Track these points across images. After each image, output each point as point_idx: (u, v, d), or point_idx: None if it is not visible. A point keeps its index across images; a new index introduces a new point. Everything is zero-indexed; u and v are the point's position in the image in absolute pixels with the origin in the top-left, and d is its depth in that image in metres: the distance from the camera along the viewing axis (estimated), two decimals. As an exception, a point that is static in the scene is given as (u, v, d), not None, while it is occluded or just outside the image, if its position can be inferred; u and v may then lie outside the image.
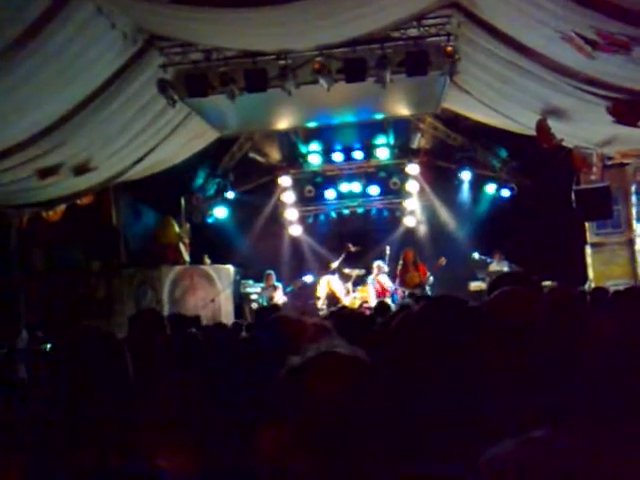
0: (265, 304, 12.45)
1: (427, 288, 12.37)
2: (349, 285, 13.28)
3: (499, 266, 12.39)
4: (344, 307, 11.26)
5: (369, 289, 12.96)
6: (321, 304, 13.09)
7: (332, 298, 12.94)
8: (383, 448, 1.29)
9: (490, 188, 14.40)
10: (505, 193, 14.22)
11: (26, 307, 11.14)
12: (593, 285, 11.07)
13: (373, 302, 11.95)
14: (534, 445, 0.84)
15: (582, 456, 0.82)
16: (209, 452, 2.11)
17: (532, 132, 9.46)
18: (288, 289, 13.15)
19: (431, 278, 12.41)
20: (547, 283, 10.27)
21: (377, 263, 12.94)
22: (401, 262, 12.55)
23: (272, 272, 13.12)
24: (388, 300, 11.80)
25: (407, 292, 12.13)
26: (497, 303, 2.62)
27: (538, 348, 2.36)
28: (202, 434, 2.19)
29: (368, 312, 8.88)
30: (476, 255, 12.95)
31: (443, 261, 12.38)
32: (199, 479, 1.98)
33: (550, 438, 0.85)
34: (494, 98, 9.45)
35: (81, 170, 9.68)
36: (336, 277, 13.29)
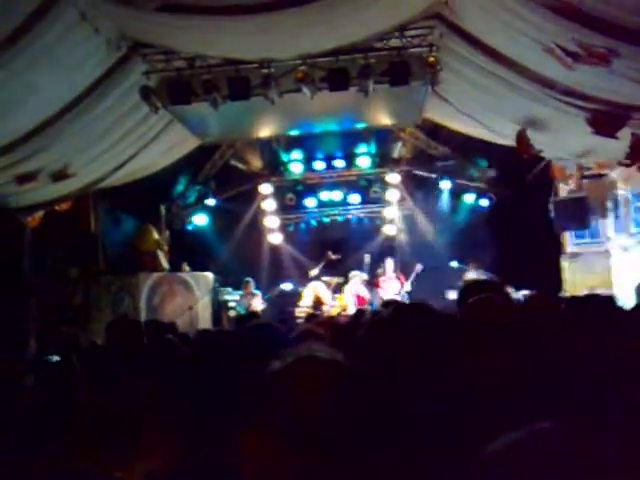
0: (243, 312, 12.42)
1: (404, 296, 12.43)
2: (328, 293, 13.31)
3: (475, 275, 12.48)
4: (314, 315, 11.31)
5: (346, 298, 13.00)
6: (301, 311, 13.09)
7: (317, 304, 12.97)
8: (363, 450, 1.31)
9: (469, 197, 14.55)
10: (484, 202, 14.38)
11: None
12: (568, 294, 11.20)
13: (352, 310, 11.97)
14: (541, 434, 0.85)
15: (589, 444, 0.83)
16: (189, 457, 2.11)
17: (512, 142, 9.55)
18: (265, 297, 13.14)
19: (408, 286, 12.49)
20: (524, 292, 10.38)
21: (353, 272, 13.00)
22: (381, 269, 12.62)
23: (251, 280, 13.10)
24: (368, 307, 11.84)
25: (384, 300, 12.18)
26: (471, 310, 2.65)
27: (512, 354, 2.38)
28: (181, 439, 2.19)
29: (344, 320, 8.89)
30: (455, 263, 13.05)
31: (418, 267, 12.52)
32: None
33: (555, 427, 0.86)
34: (474, 108, 9.54)
35: (60, 176, 9.58)
36: (322, 284, 13.32)
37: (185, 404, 2.43)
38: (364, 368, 2.15)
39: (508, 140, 9.73)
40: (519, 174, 12.18)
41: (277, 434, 1.32)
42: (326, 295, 13.19)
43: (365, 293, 12.80)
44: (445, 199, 14.69)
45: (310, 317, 8.87)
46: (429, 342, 2.31)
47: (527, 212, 12.25)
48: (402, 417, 1.85)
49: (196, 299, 12.87)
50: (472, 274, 12.55)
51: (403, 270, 13.01)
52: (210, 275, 13.41)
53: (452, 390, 2.21)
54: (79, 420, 1.96)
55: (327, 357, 1.43)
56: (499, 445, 0.86)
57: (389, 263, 12.84)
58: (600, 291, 9.87)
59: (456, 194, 14.60)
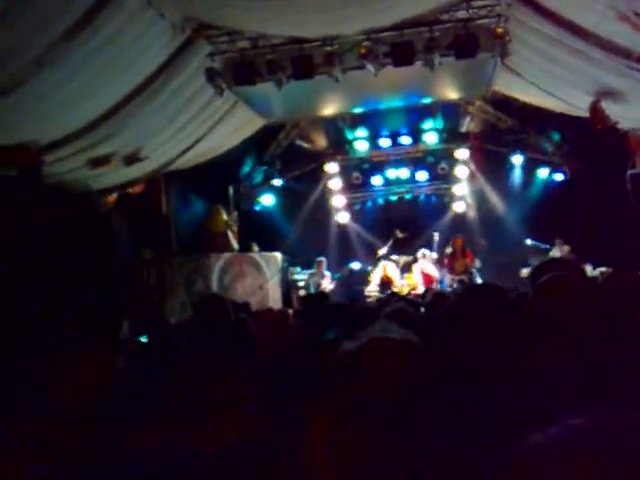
0: (312, 291, 12.50)
1: (475, 274, 12.22)
2: (397, 272, 13.23)
3: (560, 252, 12.13)
4: (394, 294, 11.25)
5: (415, 277, 12.89)
6: (371, 289, 13.08)
7: (386, 283, 12.93)
8: (430, 427, 1.29)
9: (543, 172, 14.13)
10: (558, 177, 13.94)
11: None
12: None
13: (421, 289, 11.89)
14: (581, 429, 0.80)
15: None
16: (261, 433, 2.12)
17: (585, 114, 9.20)
18: (336, 276, 13.17)
19: (478, 263, 12.25)
20: (602, 269, 10.05)
21: (421, 251, 12.87)
22: (450, 249, 12.43)
23: (323, 259, 13.17)
24: (437, 287, 11.74)
25: (455, 279, 12.02)
26: (545, 289, 2.55)
27: (588, 335, 2.29)
28: (255, 419, 2.21)
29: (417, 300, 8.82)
30: (529, 241, 12.74)
31: (483, 242, 12.29)
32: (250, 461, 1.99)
33: (591, 424, 0.81)
34: (545, 80, 9.22)
35: (131, 160, 9.84)
36: (392, 263, 13.26)
37: (261, 382, 2.45)
38: (437, 350, 2.12)
39: (582, 112, 9.38)
40: (594, 147, 11.72)
41: (348, 413, 1.32)
42: (395, 275, 13.12)
43: (434, 272, 12.66)
44: (517, 174, 14.33)
45: (389, 298, 8.78)
46: (498, 325, 2.25)
47: (604, 186, 11.79)
48: (469, 399, 1.82)
49: (266, 279, 13.01)
50: (556, 252, 12.20)
51: (472, 248, 12.78)
52: (279, 255, 13.53)
53: (518, 374, 2.15)
54: (173, 396, 2.01)
55: (400, 337, 1.43)
56: (531, 442, 0.81)
57: (457, 239, 12.58)
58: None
59: (529, 169, 14.20)
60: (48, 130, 8.00)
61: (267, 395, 2.30)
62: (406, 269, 13.41)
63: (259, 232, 14.25)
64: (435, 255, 12.95)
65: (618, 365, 2.14)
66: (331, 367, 1.39)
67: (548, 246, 12.43)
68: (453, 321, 2.52)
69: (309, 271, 13.46)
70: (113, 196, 11.38)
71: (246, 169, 14.90)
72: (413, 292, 12.25)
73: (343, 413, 1.33)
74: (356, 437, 1.30)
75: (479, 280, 11.73)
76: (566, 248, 12.11)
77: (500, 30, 8.04)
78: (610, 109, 8.96)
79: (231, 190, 14.54)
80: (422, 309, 5.58)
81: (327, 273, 13.07)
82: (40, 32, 6.18)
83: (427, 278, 12.63)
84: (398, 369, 1.32)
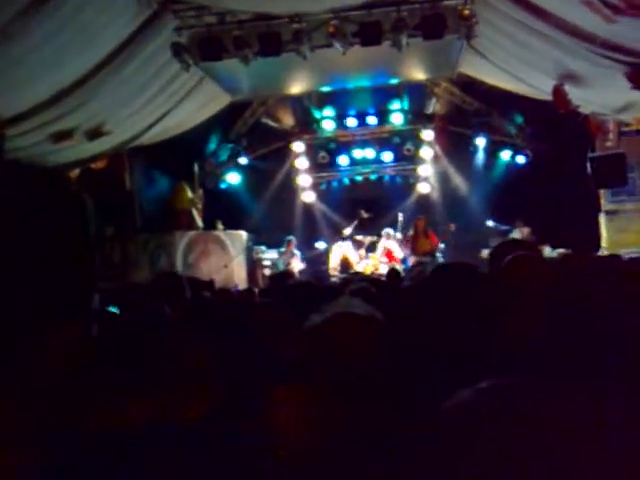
0: (281, 268, 12.53)
1: (438, 255, 12.37)
2: (362, 252, 13.32)
3: (520, 234, 12.33)
4: (357, 273, 11.34)
5: (378, 256, 13.00)
6: (333, 270, 13.16)
7: (345, 264, 13.01)
8: (391, 399, 1.35)
9: (505, 154, 14.31)
10: (520, 159, 14.14)
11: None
12: (606, 253, 11.03)
13: (383, 269, 12.00)
14: (491, 392, 0.87)
15: (542, 403, 0.84)
16: (223, 414, 2.15)
17: (549, 97, 9.35)
18: (304, 256, 13.22)
19: (441, 245, 12.40)
20: (561, 250, 10.27)
21: (386, 231, 12.97)
22: (412, 230, 12.54)
23: (293, 238, 13.19)
24: (399, 267, 11.85)
25: (417, 259, 12.15)
26: (510, 268, 2.63)
27: (551, 312, 2.37)
28: (218, 395, 2.24)
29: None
30: (490, 222, 12.93)
31: (452, 227, 12.38)
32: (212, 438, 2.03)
33: (506, 386, 0.88)
34: (511, 62, 9.33)
35: (95, 134, 9.69)
36: (349, 244, 13.34)
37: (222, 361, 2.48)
38: (401, 324, 2.18)
39: (545, 95, 9.52)
40: (556, 130, 11.91)
41: (314, 382, 1.37)
42: (353, 255, 13.21)
43: (398, 251, 12.78)
44: (480, 156, 14.48)
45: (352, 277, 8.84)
46: (464, 302, 2.31)
47: (565, 169, 12.02)
48: (427, 371, 1.88)
49: (231, 257, 12.99)
50: (517, 234, 12.40)
51: (435, 229, 12.93)
52: (244, 233, 13.51)
53: (479, 351, 2.22)
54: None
55: (364, 312, 1.47)
56: (451, 403, 0.88)
57: (419, 220, 12.65)
58: (637, 249, 9.74)
59: (492, 151, 14.37)
60: (10, 104, 7.83)
61: (232, 369, 2.34)
62: (371, 249, 13.52)
63: (224, 210, 14.18)
64: (399, 235, 13.07)
65: (573, 342, 2.22)
66: (298, 339, 1.44)
67: (509, 227, 12.63)
68: (417, 297, 2.59)
69: (276, 250, 13.47)
70: (76, 171, 11.23)
71: (212, 146, 14.79)
72: (376, 272, 12.37)
73: (309, 383, 1.38)
74: (320, 406, 1.34)
75: (441, 261, 11.87)
76: (526, 230, 12.33)
77: (467, 12, 8.11)
78: (572, 93, 9.12)
79: (196, 168, 14.43)
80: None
81: (297, 252, 13.11)
82: (4, 4, 6.04)
83: (390, 257, 12.74)
84: (361, 343, 1.37)
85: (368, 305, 1.53)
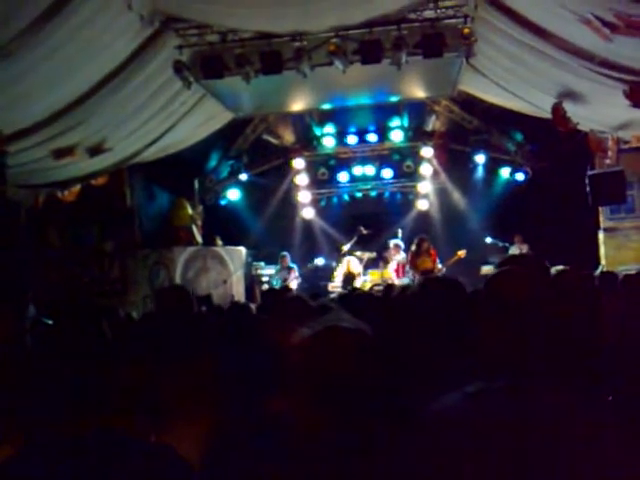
0: (278, 285, 12.53)
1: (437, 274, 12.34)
2: (360, 268, 13.34)
3: (519, 250, 12.34)
4: (355, 289, 11.35)
5: (391, 267, 12.93)
6: (334, 285, 13.17)
7: (348, 278, 13.02)
8: (381, 410, 1.37)
9: (505, 172, 14.37)
10: (520, 177, 14.19)
11: (40, 286, 11.25)
12: (605, 270, 11.05)
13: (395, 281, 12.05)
14: (479, 397, 0.89)
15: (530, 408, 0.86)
16: (222, 424, 2.16)
17: (548, 115, 9.41)
18: (301, 272, 13.22)
19: (440, 266, 12.34)
20: (559, 267, 10.26)
21: (394, 242, 12.96)
22: (414, 247, 12.51)
23: (287, 254, 13.19)
24: (405, 280, 11.88)
25: (417, 277, 12.12)
26: (495, 282, 2.64)
27: (538, 327, 2.37)
28: (216, 407, 2.25)
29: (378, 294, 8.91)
30: (489, 239, 12.94)
31: (462, 254, 12.24)
32: (210, 452, 2.03)
33: (494, 391, 0.90)
34: (510, 80, 9.39)
35: (96, 151, 9.75)
36: (355, 259, 13.36)
37: (219, 372, 2.49)
38: (390, 338, 2.20)
39: (544, 113, 9.58)
40: (556, 148, 11.97)
41: (304, 397, 1.39)
42: (358, 270, 13.24)
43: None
44: (480, 173, 14.54)
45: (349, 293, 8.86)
46: (450, 314, 2.33)
47: (564, 186, 12.06)
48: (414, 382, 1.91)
49: (230, 273, 13.00)
50: (515, 250, 12.40)
51: (436, 245, 12.92)
52: (243, 249, 13.53)
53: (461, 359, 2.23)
54: (109, 386, 2.03)
55: (351, 326, 1.50)
56: (436, 406, 0.90)
57: (424, 240, 12.55)
58: (635, 266, 9.75)
59: (491, 168, 14.44)
60: (11, 120, 7.89)
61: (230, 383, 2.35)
62: (370, 265, 13.53)
63: (224, 226, 14.22)
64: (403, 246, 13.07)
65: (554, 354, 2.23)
66: (288, 352, 1.46)
67: (507, 244, 12.65)
68: (408, 311, 2.60)
69: (274, 266, 13.48)
70: (76, 187, 11.28)
71: (212, 163, 14.85)
72: (376, 287, 12.37)
73: (300, 395, 1.40)
74: (310, 417, 1.36)
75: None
76: (525, 246, 12.35)
77: (467, 30, 8.16)
78: (571, 111, 9.17)
79: (197, 184, 14.48)
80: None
81: (293, 266, 13.11)
82: (6, 22, 6.10)
83: (400, 269, 12.73)
84: (349, 355, 1.39)
85: (357, 319, 1.56)
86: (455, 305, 2.39)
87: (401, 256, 12.81)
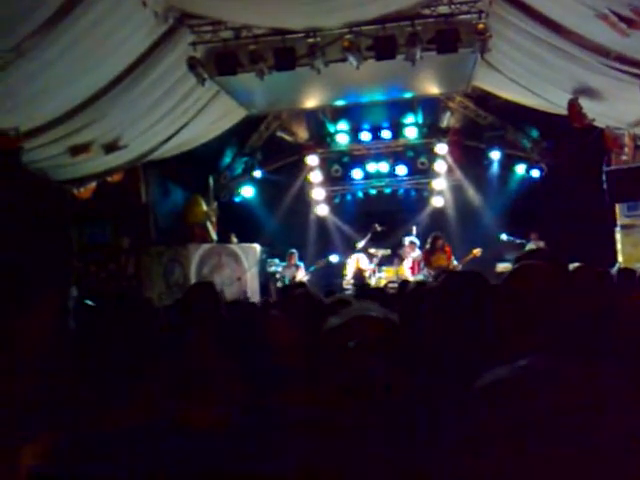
0: (287, 283, 12.55)
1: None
2: (374, 265, 13.32)
3: (535, 247, 12.26)
4: (367, 286, 11.35)
5: (406, 264, 12.90)
6: (347, 282, 13.16)
7: (359, 275, 13.00)
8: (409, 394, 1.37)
9: (520, 168, 14.28)
10: (535, 173, 14.09)
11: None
12: (622, 267, 10.95)
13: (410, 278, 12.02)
14: (529, 370, 0.89)
15: (577, 385, 0.87)
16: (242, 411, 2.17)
17: (563, 111, 9.34)
18: (311, 268, 13.21)
19: (455, 262, 12.30)
20: (576, 264, 10.19)
21: (409, 239, 12.93)
22: (429, 244, 12.47)
23: (295, 251, 13.17)
24: (420, 277, 11.85)
25: (432, 273, 12.09)
26: (515, 276, 2.63)
27: (557, 322, 2.36)
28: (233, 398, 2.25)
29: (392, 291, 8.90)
30: (504, 236, 12.87)
31: (477, 252, 12.17)
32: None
33: (546, 366, 0.90)
34: (525, 76, 9.34)
35: (111, 148, 9.81)
36: (364, 256, 13.34)
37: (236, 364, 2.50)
38: (415, 328, 2.20)
39: (560, 109, 9.52)
40: (571, 144, 11.89)
41: (331, 386, 1.39)
42: (368, 267, 13.21)
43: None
44: (495, 170, 14.44)
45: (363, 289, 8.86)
46: (474, 307, 2.33)
47: (580, 183, 11.96)
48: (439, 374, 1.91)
49: (244, 270, 13.03)
50: (532, 246, 12.31)
51: (451, 242, 12.88)
52: (258, 246, 13.55)
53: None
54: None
55: (380, 315, 1.52)
56: (488, 379, 0.90)
57: (439, 238, 12.50)
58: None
59: (506, 165, 14.33)
60: (28, 117, 7.96)
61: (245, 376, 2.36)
62: (384, 262, 13.50)
63: (238, 223, 14.24)
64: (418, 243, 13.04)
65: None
66: (317, 341, 1.47)
67: (524, 241, 12.57)
68: (431, 302, 2.60)
69: (283, 264, 13.49)
70: (92, 184, 11.35)
71: (227, 160, 14.88)
72: (390, 284, 12.35)
73: (329, 387, 1.40)
74: (332, 409, 1.36)
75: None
76: (541, 243, 12.26)
77: (481, 26, 8.13)
78: (587, 107, 9.10)
79: (211, 181, 14.51)
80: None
81: (300, 264, 13.10)
82: (22, 20, 6.15)
83: (416, 265, 12.70)
84: (378, 343, 1.40)
85: (383, 308, 1.57)
86: (478, 298, 2.38)
87: (416, 253, 12.78)
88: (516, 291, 2.22)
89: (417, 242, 12.88)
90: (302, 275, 12.91)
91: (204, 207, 13.83)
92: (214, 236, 13.86)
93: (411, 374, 1.39)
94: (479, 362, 1.74)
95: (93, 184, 11.31)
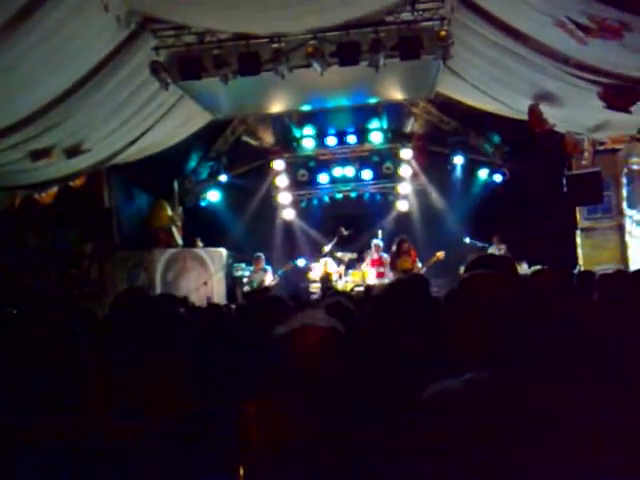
0: (255, 286, 12.53)
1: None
2: (341, 269, 13.37)
3: (497, 250, 12.44)
4: (332, 288, 11.40)
5: (368, 269, 12.97)
6: (314, 287, 13.19)
7: (326, 280, 13.04)
8: (352, 400, 1.40)
9: (483, 173, 14.48)
10: (498, 178, 14.30)
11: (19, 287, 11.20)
12: (582, 269, 11.17)
13: (371, 279, 12.13)
14: (477, 382, 0.92)
15: (520, 394, 0.90)
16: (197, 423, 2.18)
17: (524, 117, 9.50)
18: (279, 272, 13.21)
19: (419, 265, 12.41)
20: (538, 267, 10.37)
21: (375, 242, 13.02)
22: (395, 248, 12.56)
23: (261, 255, 13.13)
24: (386, 280, 11.91)
25: (396, 276, 12.17)
26: (465, 286, 2.67)
27: (508, 329, 2.41)
28: (187, 406, 2.26)
29: (359, 295, 8.94)
30: (467, 239, 13.03)
31: (440, 255, 12.28)
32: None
33: (493, 377, 0.93)
34: (487, 83, 9.48)
35: (74, 152, 9.68)
36: (331, 259, 13.40)
37: (190, 375, 2.50)
38: (362, 335, 2.23)
39: (521, 114, 9.67)
40: (533, 149, 12.09)
41: (283, 391, 1.41)
42: (335, 271, 13.27)
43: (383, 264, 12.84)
44: (458, 174, 14.62)
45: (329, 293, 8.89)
46: (417, 314, 2.37)
47: (541, 187, 12.18)
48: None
49: (210, 275, 12.98)
50: (494, 250, 12.49)
51: (416, 246, 12.98)
52: (224, 251, 13.50)
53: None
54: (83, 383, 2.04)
55: (325, 324, 1.54)
56: (433, 391, 0.92)
57: (404, 241, 12.59)
58: (612, 266, 9.88)
59: (469, 169, 14.53)
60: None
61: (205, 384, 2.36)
62: (351, 266, 13.56)
63: (204, 228, 14.18)
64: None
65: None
66: (264, 349, 1.49)
67: (486, 244, 12.74)
68: (378, 309, 2.64)
69: (250, 268, 13.45)
70: (54, 189, 11.20)
71: (192, 164, 14.81)
72: (357, 288, 12.41)
73: (277, 397, 1.42)
74: (288, 418, 1.38)
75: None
76: (503, 246, 12.45)
77: (443, 33, 8.22)
78: (548, 113, 9.27)
79: (176, 185, 14.43)
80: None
81: (268, 268, 13.09)
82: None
83: (379, 265, 12.78)
84: (323, 351, 1.42)
85: (330, 317, 1.60)
86: (419, 301, 2.42)
87: (379, 254, 12.87)
88: (462, 300, 2.25)
89: (381, 244, 12.98)
90: (270, 279, 12.88)
91: (169, 212, 13.73)
92: (179, 241, 13.78)
93: (353, 385, 1.42)
94: (419, 372, 1.79)
95: (55, 189, 11.16)
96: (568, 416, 0.94)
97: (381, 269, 12.83)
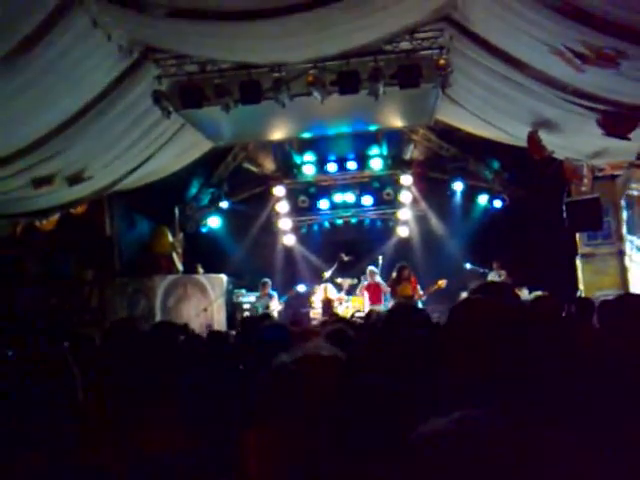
0: (260, 312, 12.49)
1: (417, 301, 12.38)
2: (342, 294, 13.36)
3: (497, 276, 12.43)
4: (335, 315, 11.36)
5: (362, 295, 12.97)
6: (315, 312, 13.17)
7: (327, 305, 13.02)
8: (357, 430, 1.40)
9: (482, 199, 14.54)
10: (497, 204, 14.36)
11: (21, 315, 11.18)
12: (583, 295, 11.16)
13: (367, 309, 12.05)
14: (469, 422, 0.92)
15: (515, 438, 0.90)
16: (192, 450, 2.17)
17: (524, 144, 9.55)
18: (283, 298, 13.21)
19: (421, 292, 12.37)
20: (538, 293, 10.37)
21: (370, 268, 13.01)
22: (395, 275, 12.55)
23: (268, 280, 13.15)
24: (382, 307, 11.88)
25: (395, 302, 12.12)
26: (457, 313, 2.68)
27: (502, 355, 2.40)
28: (187, 433, 2.26)
29: (359, 321, 8.92)
30: (468, 265, 13.03)
31: (442, 284, 12.25)
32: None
33: (485, 417, 0.93)
34: (486, 110, 9.55)
35: (75, 180, 9.73)
36: (332, 285, 13.40)
37: (190, 400, 2.50)
38: (362, 363, 2.23)
39: (520, 141, 9.73)
40: (532, 175, 12.16)
41: (283, 419, 1.42)
42: (336, 297, 13.26)
43: (384, 286, 12.81)
44: (458, 200, 14.69)
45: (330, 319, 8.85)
46: (414, 344, 2.37)
47: (541, 213, 12.22)
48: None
49: (211, 301, 12.98)
50: (494, 276, 12.48)
51: (416, 272, 12.98)
52: (224, 277, 13.51)
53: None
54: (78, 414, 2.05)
55: (328, 354, 1.55)
56: (426, 429, 0.93)
57: (405, 268, 12.56)
58: (612, 292, 9.86)
59: (469, 195, 14.60)
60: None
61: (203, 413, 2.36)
62: (351, 291, 13.55)
63: (205, 254, 14.21)
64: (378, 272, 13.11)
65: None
66: (267, 377, 1.50)
67: (486, 270, 12.74)
68: (378, 338, 2.65)
69: (254, 293, 13.45)
70: (55, 216, 11.23)
71: (193, 191, 14.88)
72: (357, 313, 12.37)
73: (277, 423, 1.42)
74: (288, 447, 1.38)
75: (420, 306, 11.86)
76: (503, 272, 12.45)
77: (442, 61, 8.30)
78: (547, 139, 9.33)
79: (177, 211, 14.48)
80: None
81: (274, 294, 13.09)
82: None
83: (376, 294, 12.74)
84: (325, 380, 1.43)
85: (333, 347, 1.61)
86: (417, 329, 2.43)
87: (374, 280, 12.85)
88: (459, 326, 2.26)
89: (376, 270, 12.95)
90: (276, 305, 12.88)
91: (170, 238, 13.77)
92: (180, 267, 13.79)
93: (353, 418, 1.42)
94: (418, 402, 1.79)
95: (56, 216, 11.20)
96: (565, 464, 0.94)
97: (375, 295, 12.81)
